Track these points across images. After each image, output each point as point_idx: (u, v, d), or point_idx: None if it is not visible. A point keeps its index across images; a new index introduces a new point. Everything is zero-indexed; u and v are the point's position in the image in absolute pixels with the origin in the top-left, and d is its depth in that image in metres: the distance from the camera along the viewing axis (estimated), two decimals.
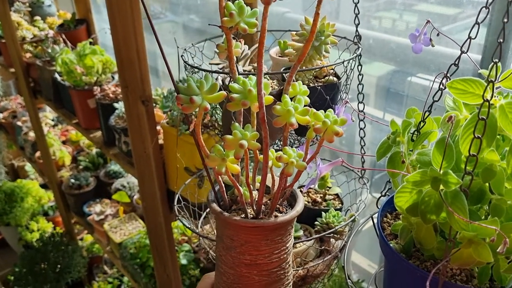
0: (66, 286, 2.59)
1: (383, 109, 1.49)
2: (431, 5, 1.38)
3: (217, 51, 1.00)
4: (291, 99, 0.54)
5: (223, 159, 0.53)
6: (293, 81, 0.57)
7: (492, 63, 0.55)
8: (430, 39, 0.80)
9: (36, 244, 2.65)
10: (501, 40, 0.53)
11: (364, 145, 1.03)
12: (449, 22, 1.32)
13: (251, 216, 0.58)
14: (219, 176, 0.57)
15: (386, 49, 1.36)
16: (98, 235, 2.26)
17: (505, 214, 0.58)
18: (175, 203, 1.09)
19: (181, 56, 0.91)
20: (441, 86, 0.68)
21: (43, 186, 3.23)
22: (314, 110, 0.51)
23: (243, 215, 0.58)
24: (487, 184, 0.59)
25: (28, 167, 3.44)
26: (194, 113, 0.52)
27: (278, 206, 0.61)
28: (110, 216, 2.24)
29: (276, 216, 0.57)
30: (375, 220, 0.74)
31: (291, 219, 0.56)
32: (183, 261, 1.80)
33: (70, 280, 2.49)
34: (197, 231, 1.05)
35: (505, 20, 0.53)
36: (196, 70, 0.86)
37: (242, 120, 0.61)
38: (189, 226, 0.97)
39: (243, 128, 0.53)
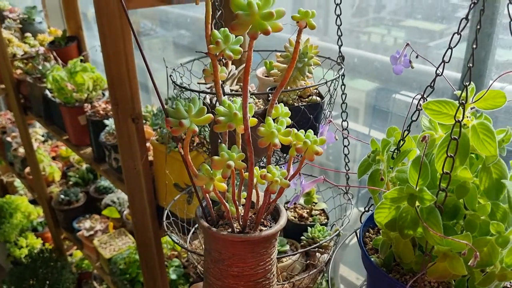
0: None
1: (369, 126, 1.53)
2: (418, 21, 1.42)
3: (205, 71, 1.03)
4: (274, 120, 0.57)
5: (211, 178, 0.56)
6: (276, 103, 0.60)
7: (464, 86, 0.58)
8: (410, 61, 0.84)
9: (24, 260, 2.63)
10: (471, 65, 0.57)
11: (348, 162, 1.06)
12: (436, 38, 1.36)
13: (237, 230, 0.61)
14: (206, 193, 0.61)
15: (371, 67, 1.40)
16: (87, 251, 2.25)
17: (479, 229, 0.61)
18: (164, 218, 1.11)
19: (170, 76, 0.94)
20: (418, 107, 0.71)
21: (32, 201, 3.22)
22: (296, 131, 0.55)
23: (229, 230, 0.61)
24: (461, 200, 0.62)
25: (18, 182, 3.43)
26: (183, 133, 0.55)
27: (262, 220, 0.64)
28: (100, 232, 2.24)
29: (261, 230, 0.60)
30: (358, 235, 0.76)
31: (275, 232, 0.60)
32: (173, 276, 1.81)
33: None
34: (186, 246, 1.07)
35: (474, 46, 0.57)
36: (184, 90, 0.88)
37: (227, 139, 0.64)
38: (178, 242, 0.99)
39: (229, 148, 0.56)
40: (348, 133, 1.02)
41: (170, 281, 1.80)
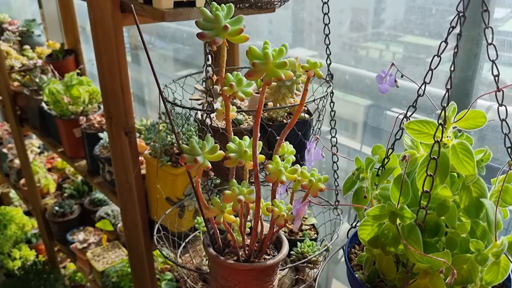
0: None
1: (360, 142, 1.54)
2: (416, 36, 1.44)
3: (197, 87, 1.05)
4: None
5: (221, 211, 0.60)
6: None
7: (442, 108, 0.60)
8: (395, 80, 0.86)
9: (17, 272, 2.62)
10: (449, 87, 0.58)
11: (337, 178, 1.07)
12: (433, 53, 1.38)
13: (243, 258, 0.65)
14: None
15: (362, 84, 1.42)
16: (80, 263, 2.25)
17: (459, 247, 0.62)
18: (155, 232, 1.12)
19: (161, 93, 0.96)
20: (401, 125, 0.73)
21: (27, 213, 3.22)
22: (301, 169, 0.58)
23: (235, 258, 0.66)
24: (442, 218, 0.64)
25: (13, 193, 3.43)
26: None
27: (266, 249, 0.68)
28: (93, 244, 2.24)
29: (265, 259, 0.65)
30: (344, 252, 0.77)
31: (279, 261, 0.65)
32: None
33: None
34: (176, 260, 1.08)
35: (452, 69, 0.59)
36: (176, 106, 0.90)
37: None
38: (168, 256, 1.00)
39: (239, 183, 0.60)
40: (337, 150, 1.04)
41: None
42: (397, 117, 0.75)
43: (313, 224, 1.15)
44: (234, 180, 0.61)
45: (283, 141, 0.68)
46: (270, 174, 0.60)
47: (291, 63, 0.54)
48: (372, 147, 0.80)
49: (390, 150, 0.75)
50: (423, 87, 0.67)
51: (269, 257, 0.67)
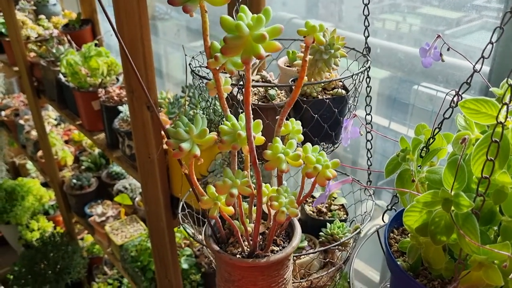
0: (66, 286, 2.59)
1: (389, 118, 1.48)
2: (434, 8, 1.37)
3: None
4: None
5: (215, 203, 0.54)
6: (287, 117, 0.57)
7: (507, 86, 0.54)
8: (441, 54, 0.80)
9: (36, 244, 2.64)
10: None
11: (370, 157, 1.03)
12: (453, 26, 1.31)
13: (248, 250, 0.58)
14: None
15: (394, 58, 1.35)
16: (99, 236, 2.25)
17: None
18: (179, 210, 1.09)
19: (189, 64, 0.91)
20: (452, 104, 0.67)
21: (44, 184, 3.23)
22: (307, 154, 0.51)
23: (240, 249, 0.59)
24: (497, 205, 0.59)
25: (30, 165, 3.44)
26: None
27: (275, 237, 0.61)
28: (112, 218, 2.23)
29: (272, 251, 0.58)
30: (382, 237, 0.73)
31: (287, 256, 0.57)
32: (184, 266, 1.79)
33: (69, 281, 2.48)
34: (201, 239, 1.05)
35: None
36: (204, 79, 0.85)
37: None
38: (193, 236, 0.96)
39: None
40: (372, 128, 0.99)
41: (182, 271, 1.78)
42: (447, 93, 0.70)
43: (342, 205, 1.10)
44: (228, 169, 0.53)
45: (286, 118, 0.60)
46: (268, 162, 0.52)
47: (274, 32, 0.43)
48: (416, 126, 0.75)
49: (437, 130, 0.70)
50: (479, 62, 0.61)
51: (277, 249, 0.59)
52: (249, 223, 0.60)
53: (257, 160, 0.50)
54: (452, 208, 0.56)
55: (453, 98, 0.67)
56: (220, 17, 0.43)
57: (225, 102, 0.57)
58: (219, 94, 0.57)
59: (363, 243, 0.89)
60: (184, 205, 1.05)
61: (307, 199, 1.15)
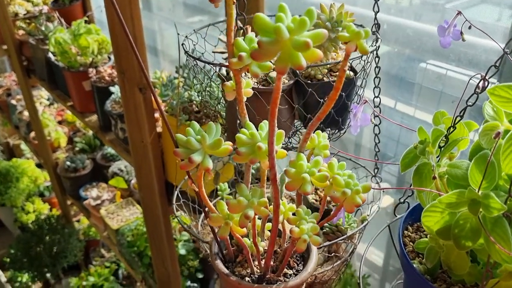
0: (63, 269, 2.55)
1: (395, 98, 1.41)
2: None
3: (222, 39, 0.91)
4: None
5: (226, 223, 0.47)
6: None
7: None
8: (461, 32, 0.72)
9: (32, 226, 2.59)
10: None
11: (378, 142, 0.96)
12: None
13: (258, 272, 0.52)
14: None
15: (402, 34, 1.27)
16: (94, 220, 2.20)
17: None
18: (174, 200, 1.02)
19: (182, 44, 0.83)
20: (477, 90, 0.60)
21: (39, 165, 3.16)
22: (334, 174, 0.44)
23: (249, 270, 0.53)
24: None
25: (24, 145, 3.37)
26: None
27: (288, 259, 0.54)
28: (107, 201, 2.18)
29: (285, 275, 0.51)
30: (396, 237, 0.67)
31: (301, 282, 0.50)
32: (182, 251, 1.74)
33: (66, 265, 2.44)
34: (196, 232, 0.98)
35: None
36: (198, 61, 0.77)
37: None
38: (188, 229, 0.90)
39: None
40: (380, 111, 0.91)
41: (179, 256, 1.73)
42: (471, 77, 0.62)
43: None
44: (243, 185, 0.46)
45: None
46: (290, 181, 0.45)
47: (317, 38, 0.35)
48: (434, 113, 0.67)
49: (458, 118, 0.63)
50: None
51: (290, 272, 0.52)
52: (261, 241, 0.53)
53: (277, 178, 0.43)
54: (481, 210, 0.49)
55: (478, 84, 0.60)
56: (254, 16, 0.34)
57: (244, 107, 0.49)
58: (239, 98, 0.49)
59: (372, 241, 0.82)
60: (179, 195, 0.99)
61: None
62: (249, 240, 0.51)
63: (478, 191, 0.50)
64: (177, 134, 0.44)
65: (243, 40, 0.44)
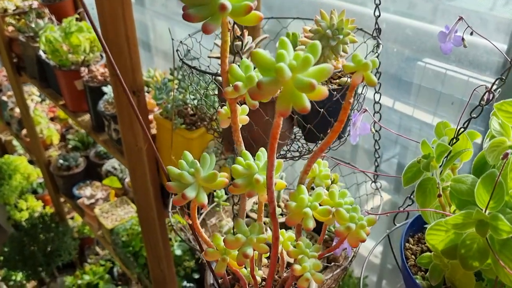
0: (57, 268, 2.53)
1: (393, 98, 1.39)
2: None
3: (217, 43, 0.89)
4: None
5: (223, 259, 0.45)
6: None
7: None
8: (463, 39, 0.70)
9: (25, 224, 2.56)
10: None
11: (378, 148, 0.94)
12: None
13: None
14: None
15: (401, 34, 1.25)
16: (88, 219, 2.17)
17: None
18: (170, 208, 1.01)
19: (177, 51, 0.81)
20: (482, 103, 0.58)
21: (32, 161, 3.12)
22: (339, 209, 0.42)
23: None
24: None
25: (16, 142, 3.32)
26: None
27: None
28: (101, 200, 2.15)
29: None
30: (398, 250, 0.65)
31: None
32: (178, 252, 1.72)
33: (60, 263, 2.42)
34: (195, 246, 0.97)
35: None
36: (193, 70, 0.75)
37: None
38: (186, 241, 0.89)
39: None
40: (381, 117, 0.90)
41: (175, 257, 1.72)
42: (475, 88, 0.60)
43: None
44: (241, 221, 0.44)
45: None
46: (291, 215, 0.43)
47: (322, 74, 0.32)
48: (436, 124, 0.66)
49: (461, 130, 0.61)
50: None
51: None
52: (258, 270, 0.51)
53: (276, 212, 0.41)
54: (489, 232, 0.48)
55: (482, 96, 0.58)
56: (253, 52, 0.32)
57: (240, 135, 0.47)
58: (234, 126, 0.47)
59: (373, 250, 0.81)
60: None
61: None
62: (246, 269, 0.49)
63: (485, 211, 0.49)
64: (168, 167, 0.42)
65: (239, 66, 0.42)
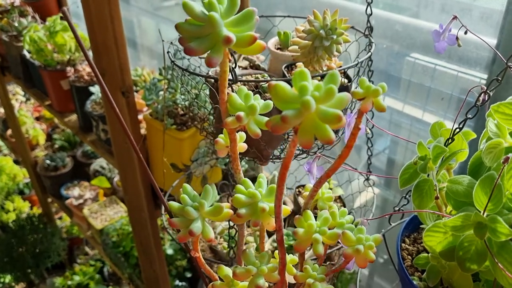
0: (47, 269, 2.50)
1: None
2: None
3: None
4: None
5: None
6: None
7: None
8: (457, 38, 0.70)
9: (12, 226, 2.52)
10: None
11: (371, 147, 0.94)
12: None
13: None
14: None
15: (390, 29, 1.25)
16: (77, 219, 2.15)
17: None
18: (163, 210, 0.99)
19: (167, 52, 0.79)
20: (477, 103, 0.58)
21: (17, 162, 3.08)
22: (346, 232, 0.41)
23: None
24: None
25: (1, 141, 3.27)
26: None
27: None
28: (90, 200, 2.13)
29: None
30: (394, 250, 0.65)
31: None
32: (169, 251, 1.71)
33: (50, 265, 2.39)
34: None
35: None
36: (185, 72, 0.74)
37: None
38: (184, 247, 0.88)
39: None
40: (373, 115, 0.90)
41: (167, 256, 1.71)
42: (471, 89, 0.60)
43: (339, 196, 1.02)
44: (250, 253, 0.42)
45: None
46: (299, 242, 0.42)
47: (341, 103, 0.32)
48: (431, 125, 0.66)
49: (457, 130, 0.61)
50: None
51: None
52: None
53: (283, 239, 0.40)
54: (488, 234, 0.48)
55: (478, 97, 0.58)
56: (274, 85, 0.31)
57: (239, 164, 0.46)
58: (233, 156, 0.46)
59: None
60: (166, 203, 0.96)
61: (300, 189, 1.07)
62: None
63: (483, 213, 0.49)
64: (170, 202, 0.41)
65: (237, 94, 0.41)
